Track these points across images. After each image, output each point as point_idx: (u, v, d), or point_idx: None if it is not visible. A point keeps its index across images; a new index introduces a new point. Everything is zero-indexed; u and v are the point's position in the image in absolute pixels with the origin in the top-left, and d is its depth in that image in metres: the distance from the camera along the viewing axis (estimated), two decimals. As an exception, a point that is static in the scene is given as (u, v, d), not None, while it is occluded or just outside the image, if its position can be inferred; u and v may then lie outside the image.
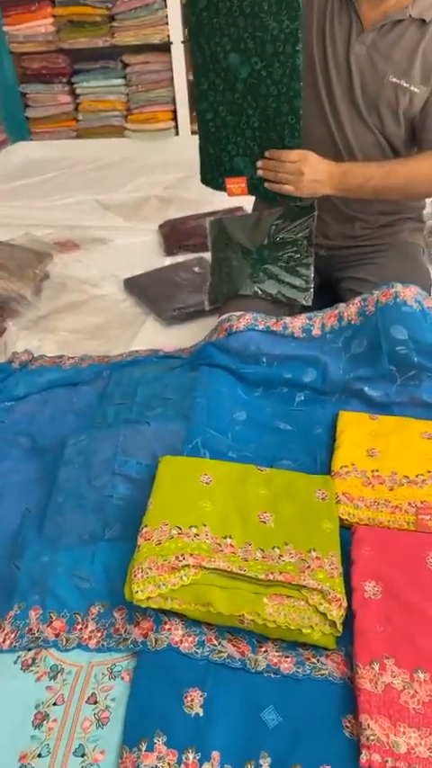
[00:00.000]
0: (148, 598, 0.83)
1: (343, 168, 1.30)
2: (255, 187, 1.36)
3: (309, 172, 1.27)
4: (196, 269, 1.89)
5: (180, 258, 2.02)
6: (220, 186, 1.40)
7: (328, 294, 1.54)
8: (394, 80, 1.29)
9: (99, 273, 1.94)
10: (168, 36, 2.92)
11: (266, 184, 1.33)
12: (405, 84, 1.29)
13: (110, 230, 2.28)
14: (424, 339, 1.23)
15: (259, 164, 1.32)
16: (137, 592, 0.83)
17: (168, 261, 2.02)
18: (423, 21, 1.26)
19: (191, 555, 0.85)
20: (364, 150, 1.36)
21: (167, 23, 2.89)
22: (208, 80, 1.29)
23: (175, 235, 2.14)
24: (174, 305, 1.70)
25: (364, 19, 1.28)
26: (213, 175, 1.40)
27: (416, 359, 1.22)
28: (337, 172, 1.29)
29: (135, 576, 0.85)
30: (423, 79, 1.28)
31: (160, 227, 2.24)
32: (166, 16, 2.88)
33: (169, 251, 2.08)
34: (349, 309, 1.33)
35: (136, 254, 2.07)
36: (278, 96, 1.23)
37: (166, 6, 2.86)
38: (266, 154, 1.31)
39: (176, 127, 3.12)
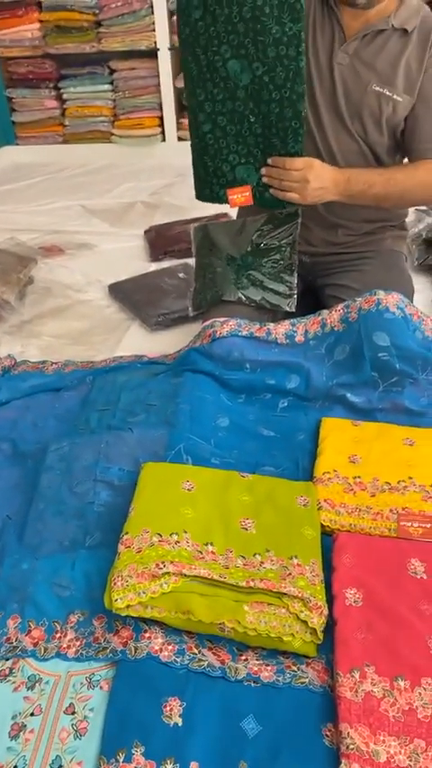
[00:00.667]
0: (128, 606, 0.82)
1: (346, 175, 1.29)
2: (260, 194, 1.34)
3: (314, 179, 1.25)
4: (181, 275, 1.88)
5: (165, 264, 2.01)
6: (221, 199, 1.38)
7: (311, 300, 1.54)
8: (377, 89, 1.29)
9: (84, 279, 1.93)
10: (155, 42, 2.92)
11: (271, 191, 1.31)
12: (388, 93, 1.30)
13: (95, 236, 2.28)
14: (406, 345, 1.23)
15: (263, 171, 1.31)
16: (116, 600, 0.82)
17: (153, 267, 2.02)
18: (405, 30, 1.27)
19: (171, 562, 0.85)
20: (346, 158, 1.37)
21: (154, 30, 2.90)
22: (205, 91, 1.28)
23: (161, 240, 2.14)
24: (158, 311, 1.69)
25: (347, 28, 1.29)
26: (213, 189, 1.37)
27: (398, 365, 1.22)
28: (342, 179, 1.29)
29: (115, 584, 0.84)
30: (406, 88, 1.29)
31: (146, 232, 2.23)
32: (153, 23, 2.89)
33: (154, 257, 2.07)
34: (332, 316, 1.33)
35: (121, 260, 2.07)
36: (281, 101, 1.22)
37: (152, 13, 2.87)
38: (269, 161, 1.29)
39: (163, 133, 3.12)
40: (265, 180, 1.31)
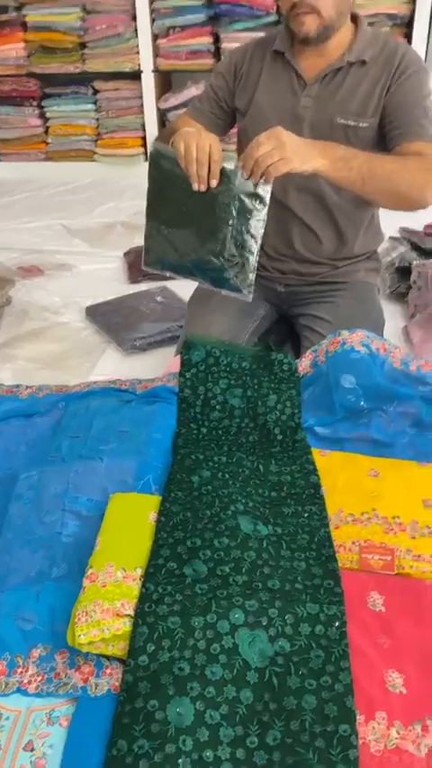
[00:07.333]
0: (90, 643, 0.83)
1: (321, 141, 1.22)
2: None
3: (288, 138, 1.13)
4: (159, 298, 1.89)
5: (143, 286, 2.02)
6: None
7: (284, 328, 1.57)
8: (342, 121, 1.33)
9: (61, 300, 1.93)
10: (139, 65, 2.96)
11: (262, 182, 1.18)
12: (353, 123, 1.34)
13: (74, 256, 2.28)
14: (371, 382, 1.23)
15: (239, 163, 1.19)
16: (79, 636, 0.82)
17: (132, 289, 2.03)
18: (363, 61, 1.31)
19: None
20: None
21: (138, 53, 2.94)
22: None
23: (140, 263, 2.12)
24: (135, 334, 1.70)
25: (306, 72, 1.33)
26: None
27: (364, 404, 1.24)
28: (318, 142, 1.20)
29: (79, 619, 0.84)
30: (372, 112, 1.33)
31: (125, 254, 2.25)
32: (137, 46, 2.93)
33: (133, 279, 2.08)
34: (303, 363, 1.34)
35: (100, 282, 2.08)
36: None
37: (137, 36, 2.90)
38: (239, 163, 1.18)
39: (146, 153, 3.15)
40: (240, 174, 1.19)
